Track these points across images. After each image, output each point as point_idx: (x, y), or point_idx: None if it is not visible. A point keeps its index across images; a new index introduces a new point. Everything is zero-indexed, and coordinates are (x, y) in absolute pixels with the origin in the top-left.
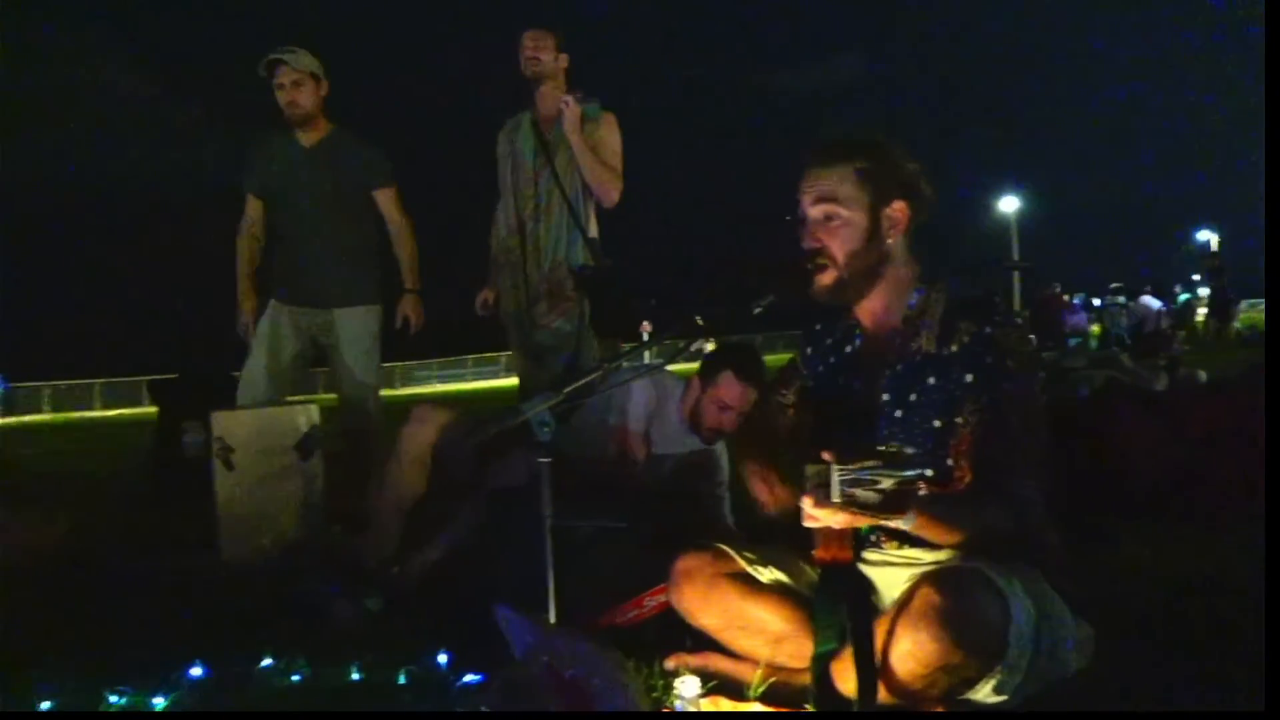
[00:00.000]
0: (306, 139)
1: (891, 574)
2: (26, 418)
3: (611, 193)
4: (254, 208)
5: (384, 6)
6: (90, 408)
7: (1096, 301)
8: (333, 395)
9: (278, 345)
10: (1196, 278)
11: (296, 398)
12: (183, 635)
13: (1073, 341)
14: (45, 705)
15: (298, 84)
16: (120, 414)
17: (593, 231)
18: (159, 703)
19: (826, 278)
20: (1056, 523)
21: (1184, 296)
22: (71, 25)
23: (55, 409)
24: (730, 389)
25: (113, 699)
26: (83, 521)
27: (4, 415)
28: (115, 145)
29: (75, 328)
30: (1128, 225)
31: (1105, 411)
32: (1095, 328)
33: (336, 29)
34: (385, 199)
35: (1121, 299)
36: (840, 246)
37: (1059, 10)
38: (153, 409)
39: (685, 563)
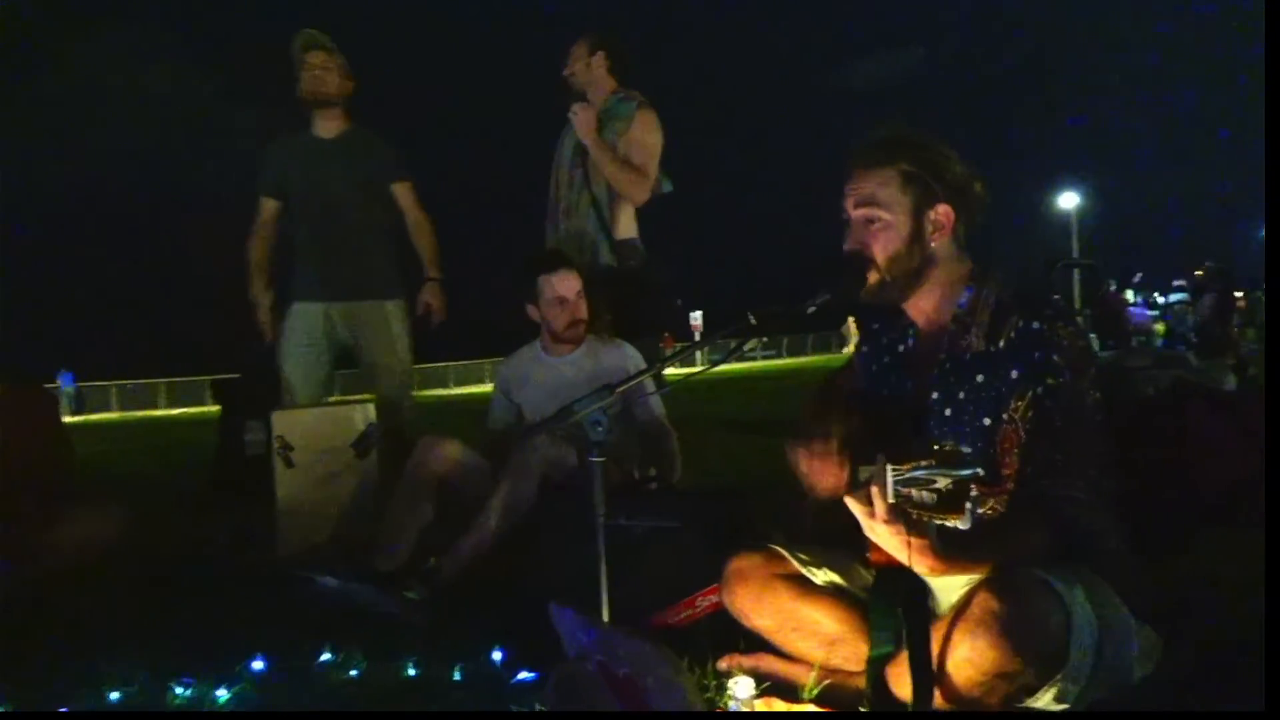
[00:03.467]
0: (326, 132)
1: (948, 578)
2: (95, 416)
3: (635, 193)
4: (267, 209)
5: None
6: (156, 407)
7: (1160, 299)
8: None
9: (306, 346)
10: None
11: (354, 398)
12: (244, 629)
13: (1136, 341)
14: (115, 695)
15: (327, 69)
16: (184, 413)
17: (629, 232)
18: (222, 694)
19: (870, 278)
20: (1121, 527)
21: (1256, 294)
22: (133, 27)
23: (122, 408)
24: (562, 283)
25: (178, 690)
26: (149, 517)
27: (74, 414)
28: (182, 147)
29: (141, 328)
30: (1197, 221)
31: (1171, 413)
32: (1160, 327)
33: (379, 29)
34: (403, 192)
35: (1186, 296)
36: (881, 249)
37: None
38: (216, 408)
39: (738, 563)
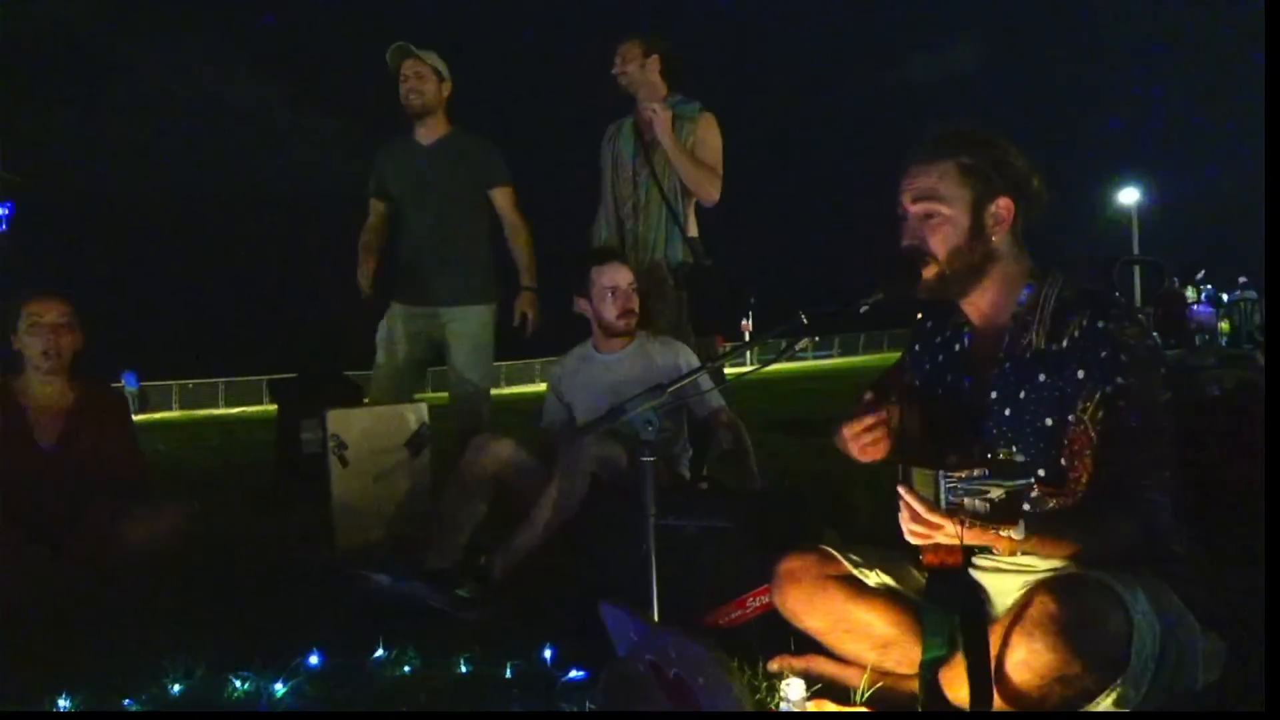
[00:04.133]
0: (426, 138)
1: (1003, 580)
2: (157, 415)
3: (711, 192)
4: (376, 211)
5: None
6: (215, 406)
7: (1225, 297)
8: (443, 394)
9: (396, 346)
10: None
11: (434, 395)
12: (303, 625)
13: (1199, 340)
14: (176, 689)
15: (421, 76)
16: (243, 411)
17: (692, 230)
18: (279, 689)
19: (928, 273)
20: (1185, 530)
21: None
22: (195, 35)
23: (183, 407)
24: (614, 273)
25: (236, 683)
26: (214, 514)
27: (137, 413)
28: (243, 152)
29: (201, 328)
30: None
31: (1237, 413)
32: (1224, 325)
33: (458, 33)
34: (502, 197)
35: (1253, 294)
36: (941, 244)
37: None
38: (273, 407)
39: (789, 564)
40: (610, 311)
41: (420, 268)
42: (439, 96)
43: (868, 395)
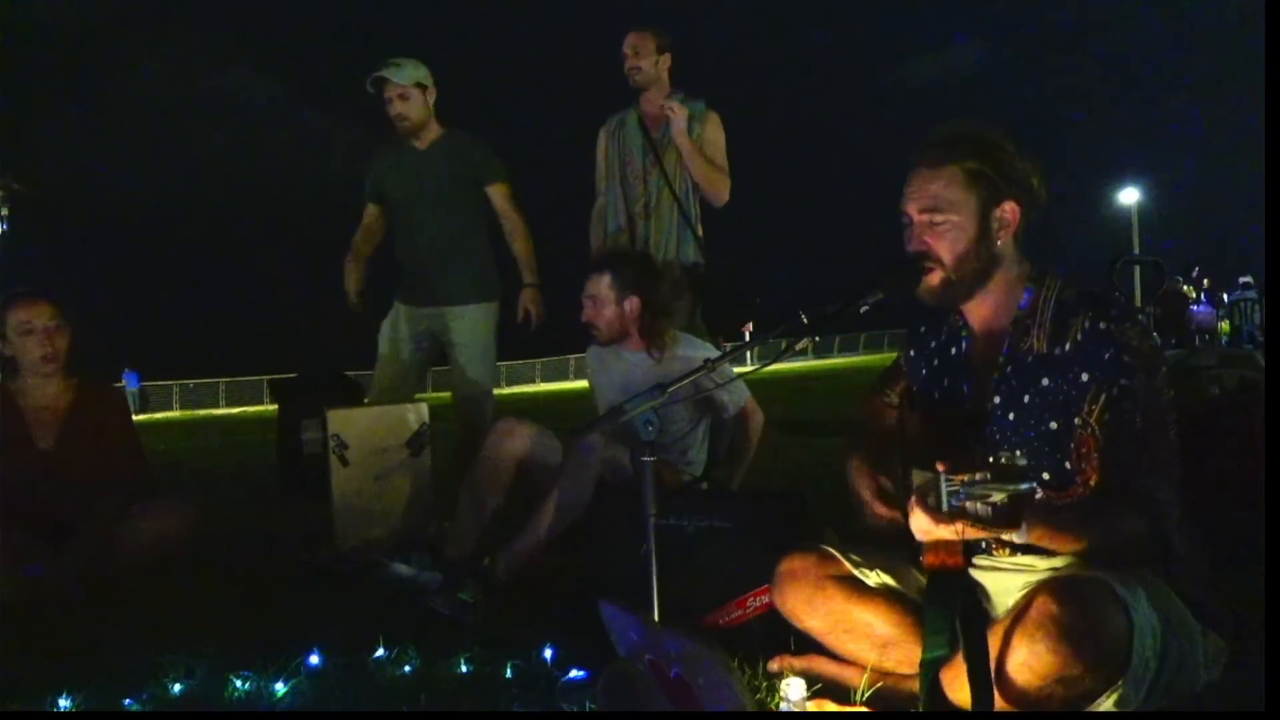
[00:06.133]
0: (420, 143)
1: (1003, 580)
2: (158, 415)
3: (722, 192)
4: (370, 213)
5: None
6: (216, 406)
7: (1225, 296)
8: (444, 394)
9: (399, 346)
10: None
11: (437, 394)
12: (303, 624)
13: (1199, 340)
14: (177, 688)
15: (404, 97)
16: (243, 411)
17: (700, 230)
18: (279, 688)
19: (934, 279)
20: (1187, 530)
21: None
22: (211, 33)
23: (183, 407)
24: (591, 283)
25: (237, 683)
26: (216, 514)
27: (138, 413)
28: (246, 153)
29: (202, 328)
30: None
31: (1238, 413)
32: (1225, 324)
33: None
34: (499, 195)
35: (1253, 293)
36: (948, 249)
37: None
38: (274, 407)
39: (789, 564)
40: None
41: (423, 269)
42: (426, 109)
43: (883, 480)
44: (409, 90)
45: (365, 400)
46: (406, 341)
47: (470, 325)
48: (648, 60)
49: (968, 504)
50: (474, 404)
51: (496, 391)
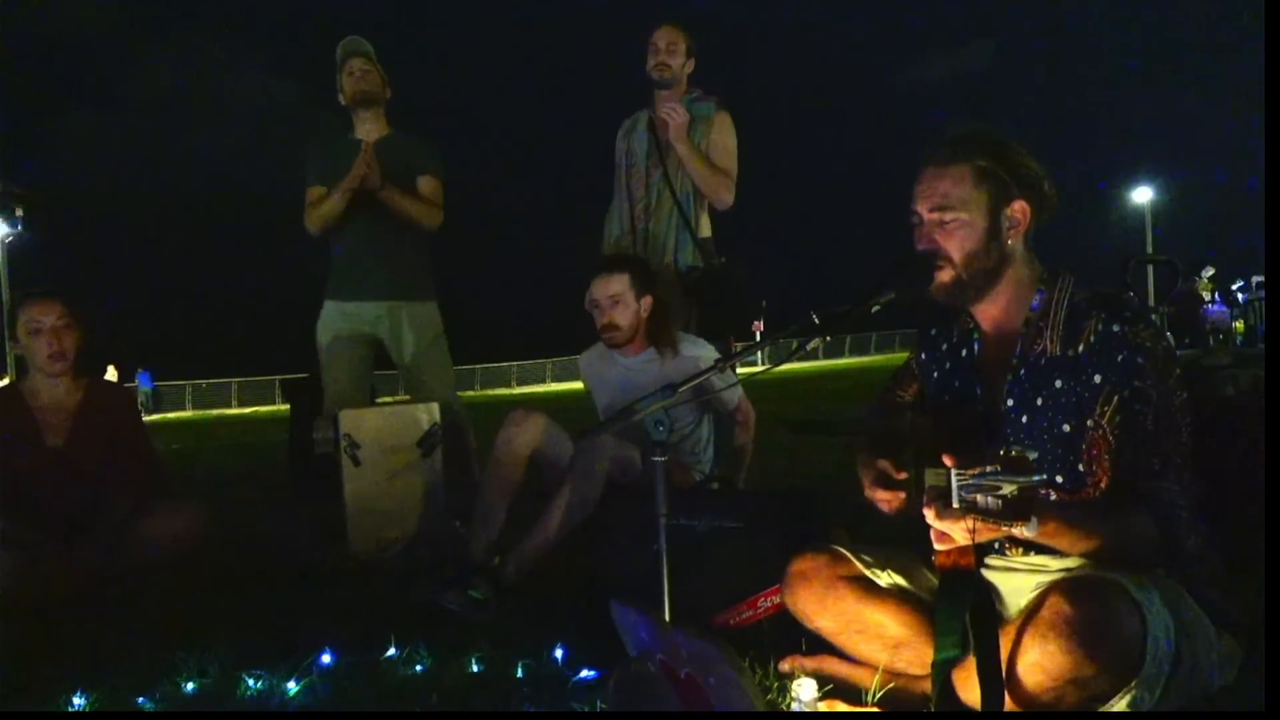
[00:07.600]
0: (367, 136)
1: (1016, 580)
2: (170, 415)
3: (725, 196)
4: (315, 193)
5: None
6: (229, 406)
7: (1240, 296)
8: (481, 392)
9: (341, 349)
10: None
11: (398, 399)
12: (316, 623)
13: (1213, 339)
14: (190, 687)
15: (368, 71)
16: (256, 411)
17: (705, 232)
18: (292, 688)
19: (944, 276)
20: (1201, 530)
21: None
22: (224, 36)
23: (196, 407)
24: (598, 286)
25: (250, 682)
26: (229, 513)
27: (151, 413)
28: (258, 155)
29: (215, 329)
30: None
31: (1252, 413)
32: (1239, 324)
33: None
34: (427, 185)
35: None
36: (958, 246)
37: None
38: (286, 407)
39: (800, 564)
40: (598, 324)
41: (359, 263)
42: (383, 90)
43: (881, 463)
44: (373, 69)
45: (376, 401)
46: (356, 339)
47: (423, 322)
48: (678, 60)
49: (978, 497)
50: (444, 405)
51: (508, 391)
